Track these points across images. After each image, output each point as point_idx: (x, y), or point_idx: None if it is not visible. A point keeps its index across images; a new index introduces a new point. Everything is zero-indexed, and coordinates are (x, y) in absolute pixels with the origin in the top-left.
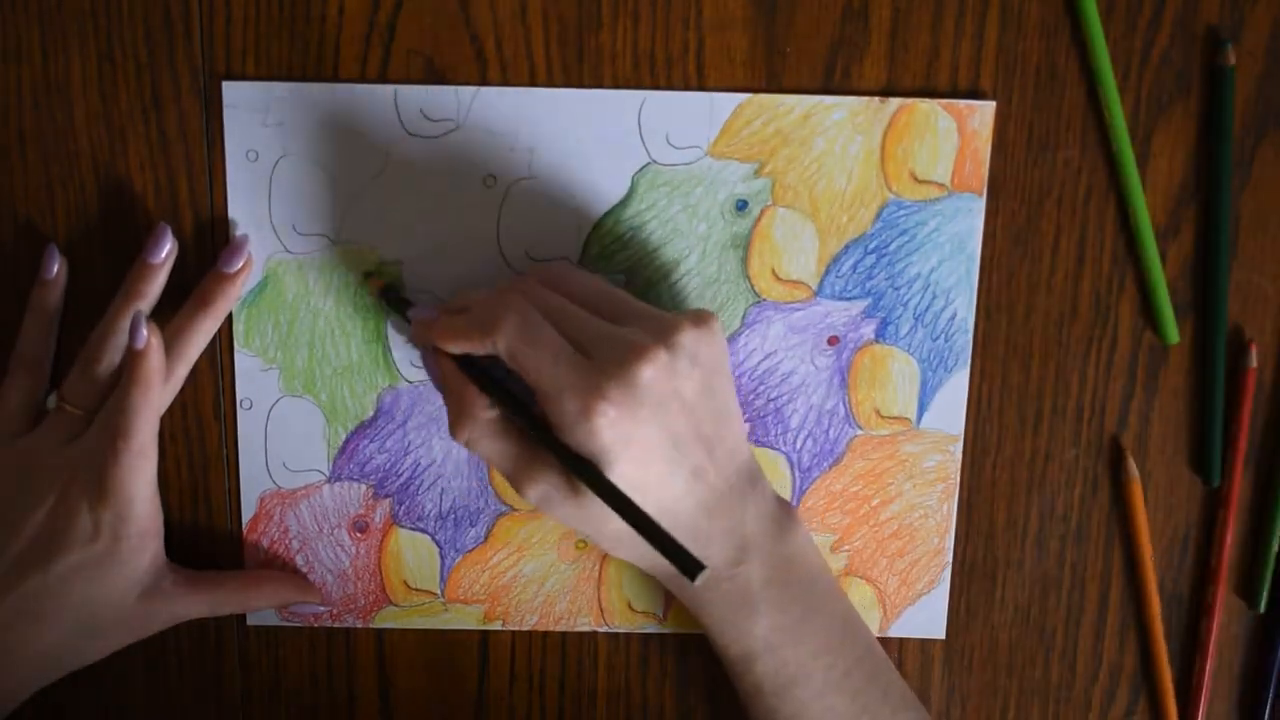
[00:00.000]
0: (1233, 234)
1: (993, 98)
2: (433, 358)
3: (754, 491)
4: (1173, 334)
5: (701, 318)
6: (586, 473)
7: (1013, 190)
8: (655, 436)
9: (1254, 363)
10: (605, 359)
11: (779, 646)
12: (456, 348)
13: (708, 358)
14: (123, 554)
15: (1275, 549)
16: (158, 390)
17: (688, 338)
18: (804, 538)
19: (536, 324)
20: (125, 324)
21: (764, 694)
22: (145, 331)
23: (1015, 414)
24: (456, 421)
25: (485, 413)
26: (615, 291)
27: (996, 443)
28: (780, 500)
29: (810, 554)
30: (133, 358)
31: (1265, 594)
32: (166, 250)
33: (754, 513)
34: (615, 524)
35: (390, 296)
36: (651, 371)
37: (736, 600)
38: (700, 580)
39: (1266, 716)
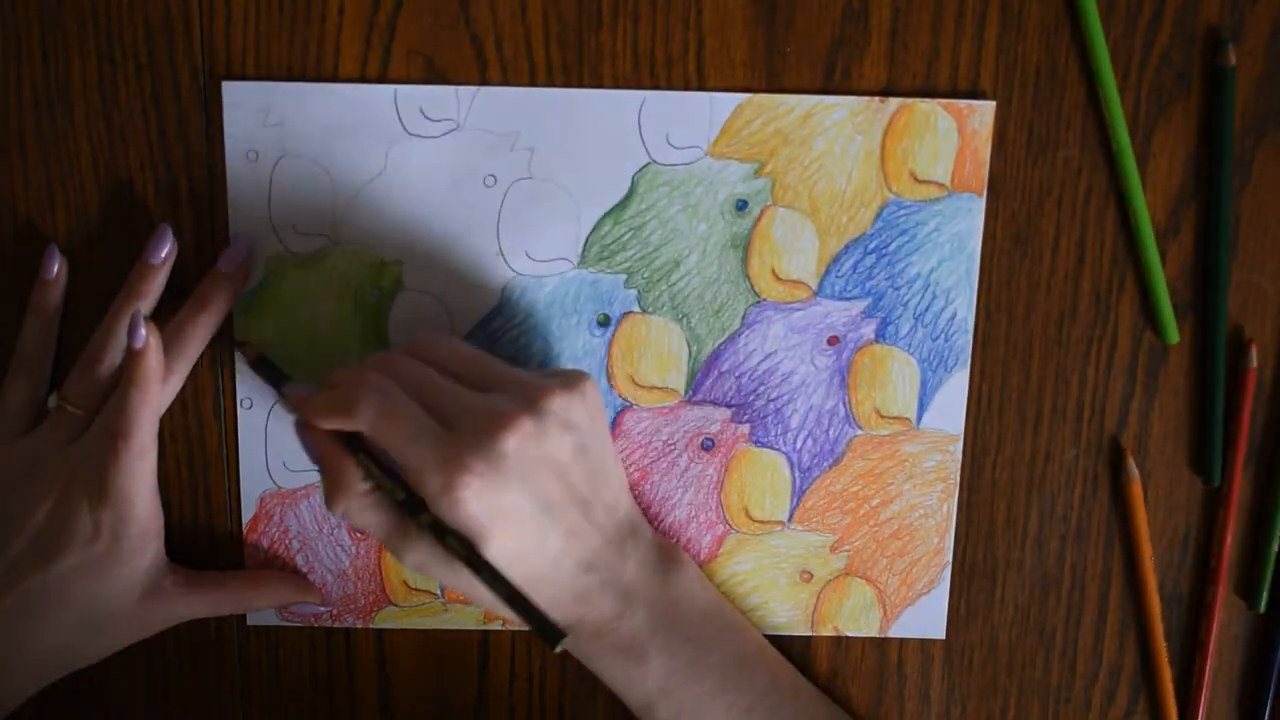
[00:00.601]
0: (1233, 234)
1: (993, 98)
2: (306, 432)
3: (635, 542)
4: (1173, 334)
5: (571, 381)
6: (453, 545)
7: (1013, 190)
8: (523, 503)
9: (1254, 363)
10: (468, 430)
11: (674, 690)
12: (324, 424)
13: (580, 419)
14: (123, 554)
15: (1275, 549)
16: (157, 390)
17: (556, 403)
18: (691, 578)
19: (396, 400)
20: (125, 324)
21: None
22: (144, 331)
23: (1015, 414)
24: (331, 494)
25: (359, 485)
26: (484, 357)
27: (996, 442)
28: (664, 545)
29: (699, 593)
30: (132, 357)
31: (1265, 594)
32: (167, 250)
33: (635, 562)
34: (484, 592)
35: (263, 369)
36: (516, 440)
37: (625, 649)
38: (561, 648)
39: (1267, 716)
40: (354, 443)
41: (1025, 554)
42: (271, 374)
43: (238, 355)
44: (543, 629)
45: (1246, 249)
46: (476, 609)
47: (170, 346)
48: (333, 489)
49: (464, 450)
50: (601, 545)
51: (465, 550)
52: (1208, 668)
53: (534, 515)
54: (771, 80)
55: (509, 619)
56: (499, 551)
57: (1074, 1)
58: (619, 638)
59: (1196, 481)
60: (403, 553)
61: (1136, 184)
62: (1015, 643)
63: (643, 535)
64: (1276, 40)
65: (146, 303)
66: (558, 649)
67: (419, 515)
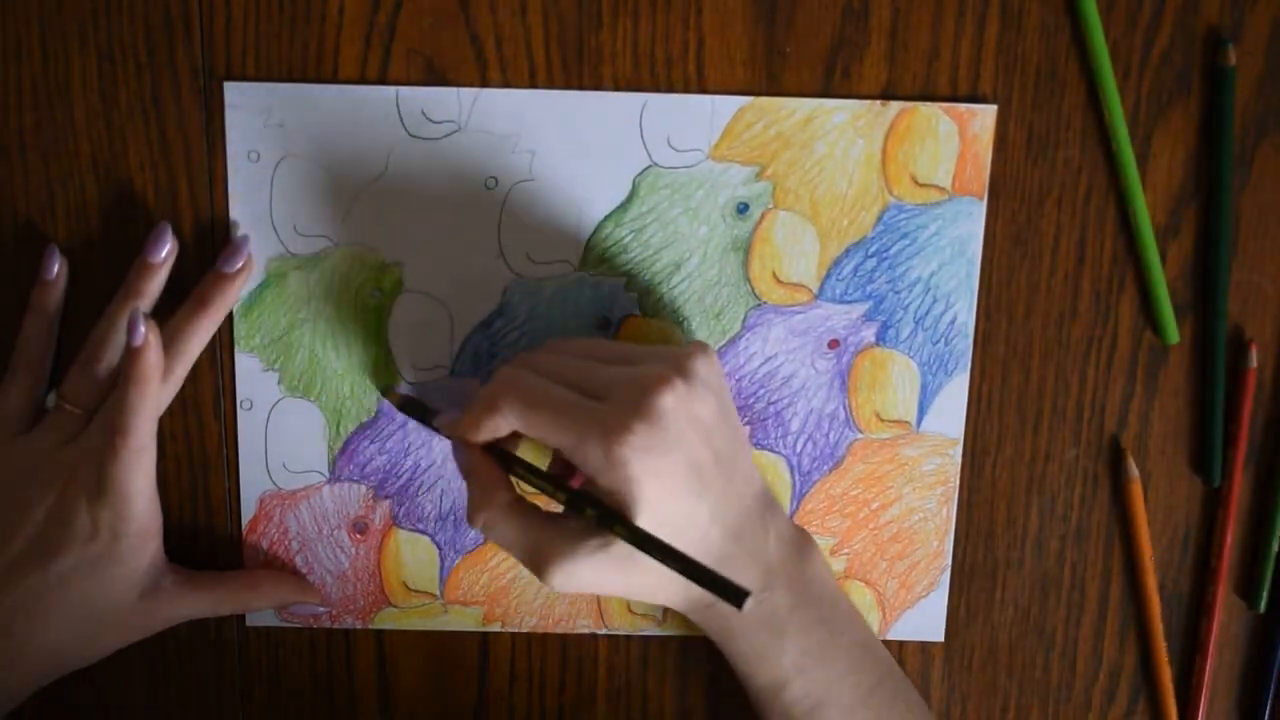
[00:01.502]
0: (1233, 234)
1: (993, 97)
2: (460, 450)
3: (772, 516)
4: (1173, 334)
5: (704, 347)
6: (617, 521)
7: (1013, 190)
8: (680, 466)
9: (1254, 363)
10: (621, 397)
11: (807, 669)
12: (477, 435)
13: (718, 384)
14: (122, 553)
15: (1275, 549)
16: (156, 388)
17: (699, 365)
18: (821, 561)
19: (539, 385)
20: (124, 323)
21: (793, 717)
22: (143, 329)
23: (1015, 414)
24: (476, 505)
25: (503, 495)
26: (611, 343)
27: (996, 443)
28: (797, 525)
29: (828, 577)
30: (131, 355)
31: (1265, 594)
32: (166, 250)
33: (775, 538)
34: (646, 576)
35: (411, 408)
36: (672, 399)
37: (766, 626)
38: (748, 607)
39: (1267, 717)
40: (506, 457)
41: (1025, 554)
42: (420, 411)
43: (253, 367)
44: (726, 590)
45: (1246, 249)
46: (475, 610)
47: (170, 346)
48: (478, 498)
49: (621, 414)
50: (745, 514)
51: (632, 532)
52: (1208, 668)
53: (689, 478)
54: (771, 80)
55: (674, 602)
56: (656, 514)
57: (1074, 1)
58: (761, 613)
59: (1196, 481)
60: (548, 563)
61: (1136, 184)
62: (1015, 643)
63: (778, 511)
64: (1276, 40)
65: (145, 302)
66: (745, 607)
67: (583, 511)
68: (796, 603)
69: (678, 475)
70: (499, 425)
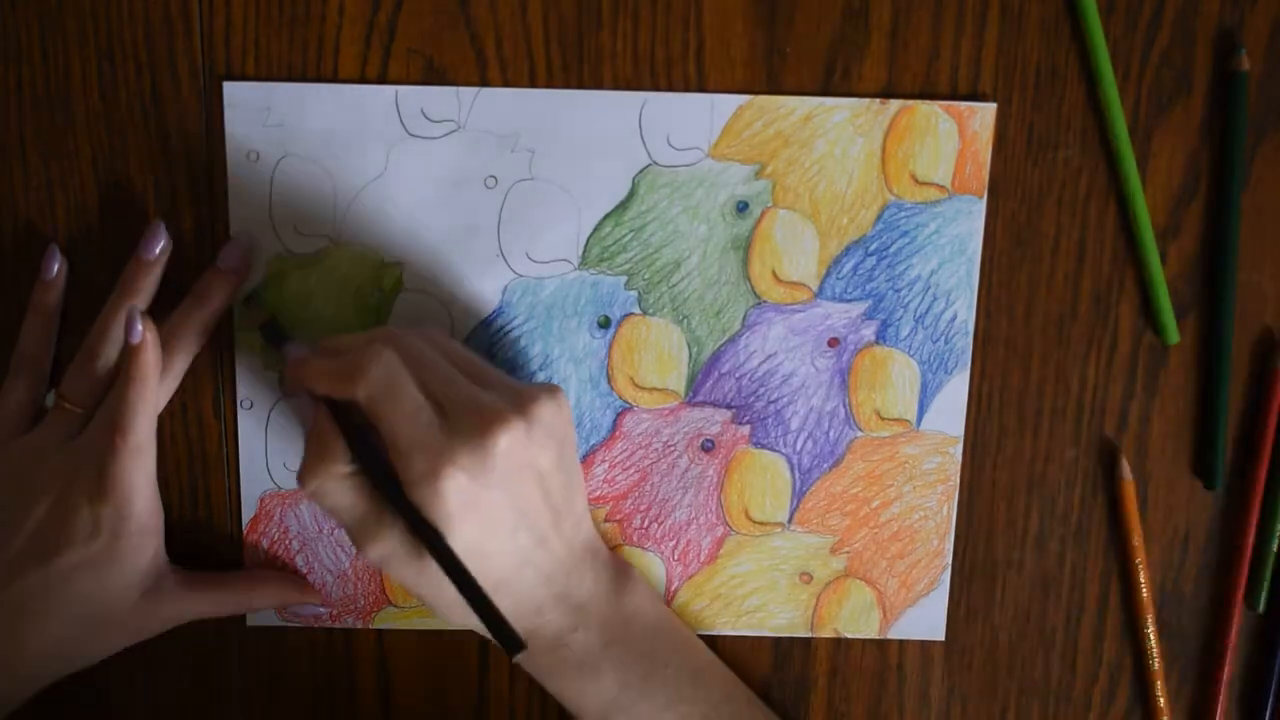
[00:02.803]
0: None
1: (993, 97)
2: (301, 399)
3: (594, 560)
4: (1173, 334)
5: (554, 391)
6: (428, 536)
7: (1013, 190)
8: (502, 505)
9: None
10: (462, 424)
11: (629, 704)
12: (323, 390)
13: (562, 431)
14: (123, 551)
15: (1275, 549)
16: (154, 385)
17: (545, 410)
18: (642, 595)
19: (400, 378)
20: (121, 321)
21: None
22: (140, 326)
23: (1015, 414)
24: (310, 469)
25: (341, 467)
26: (478, 361)
27: (996, 443)
28: (618, 563)
29: (649, 610)
30: (129, 353)
31: (1265, 594)
32: (160, 247)
33: (591, 579)
34: (451, 593)
35: (270, 331)
36: (507, 441)
37: (579, 664)
38: (518, 659)
39: (1267, 717)
40: (342, 416)
41: (1025, 554)
42: (276, 336)
43: (254, 367)
44: (503, 635)
45: (1246, 249)
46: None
47: (168, 343)
48: (314, 462)
49: (456, 442)
50: (565, 558)
51: (436, 542)
52: (1224, 674)
53: (509, 518)
54: (771, 80)
55: (465, 625)
56: (466, 545)
57: (1074, 1)
58: (572, 652)
59: (1197, 482)
60: (368, 542)
61: (1136, 184)
62: (1015, 643)
63: (600, 554)
64: (1276, 40)
65: (141, 299)
66: (516, 658)
67: (396, 499)
68: (611, 640)
69: (498, 513)
70: (352, 391)
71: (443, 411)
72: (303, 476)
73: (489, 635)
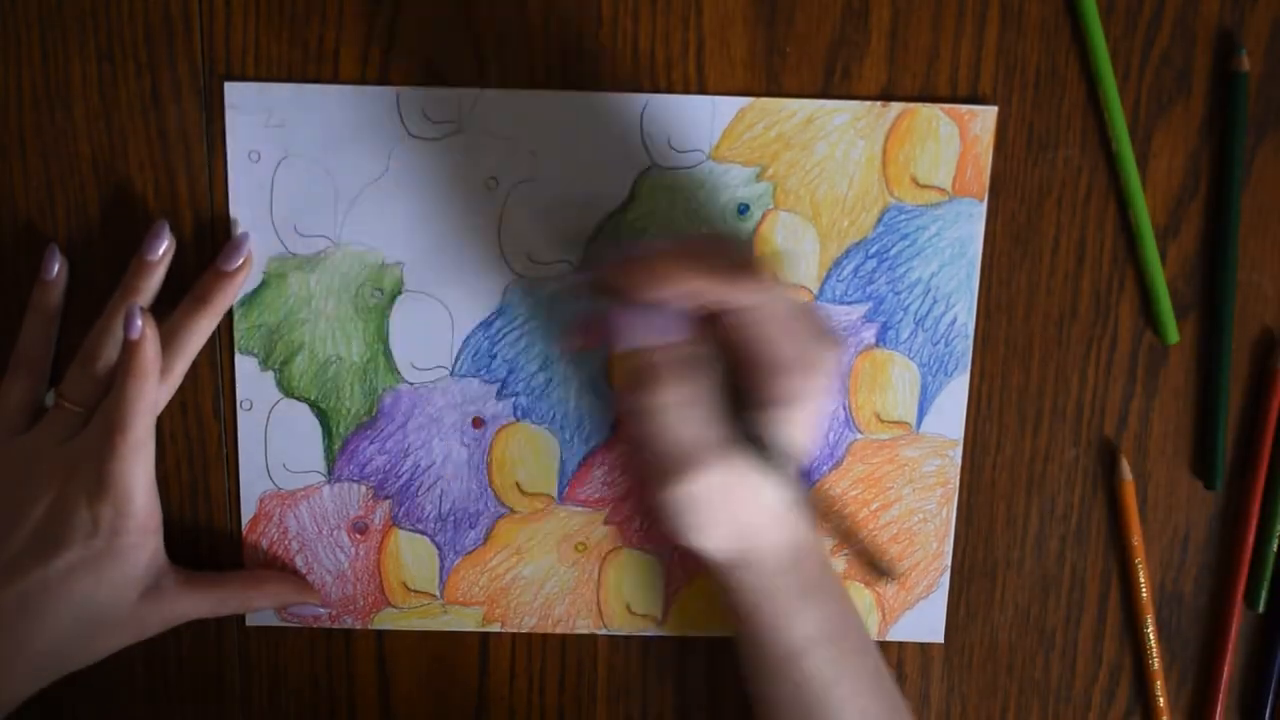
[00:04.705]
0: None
1: (992, 97)
2: (610, 317)
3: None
4: (1173, 334)
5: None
6: (779, 462)
7: (1013, 190)
8: (822, 421)
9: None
10: (821, 345)
11: (824, 642)
12: (702, 294)
13: None
14: (122, 550)
15: (1275, 549)
16: (154, 382)
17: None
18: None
19: (782, 292)
20: (122, 320)
21: (807, 690)
22: (140, 322)
23: (1015, 414)
24: (663, 375)
25: (702, 376)
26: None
27: (996, 443)
28: None
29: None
30: (129, 349)
31: (1265, 594)
32: (164, 247)
33: (799, 511)
34: (758, 514)
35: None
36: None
37: (799, 588)
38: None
39: (1267, 717)
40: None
41: (1025, 554)
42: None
43: (253, 367)
44: (883, 567)
45: (1246, 249)
46: (475, 611)
47: (169, 343)
48: (671, 370)
49: (827, 360)
50: (795, 491)
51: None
52: (1224, 674)
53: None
54: (771, 80)
55: (752, 545)
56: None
57: (1074, 1)
58: (797, 577)
59: (1196, 482)
60: (699, 467)
61: (1136, 184)
62: (1015, 643)
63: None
64: (1277, 40)
65: (143, 299)
66: (896, 578)
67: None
68: (823, 574)
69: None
70: (738, 292)
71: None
72: (647, 384)
73: (741, 562)
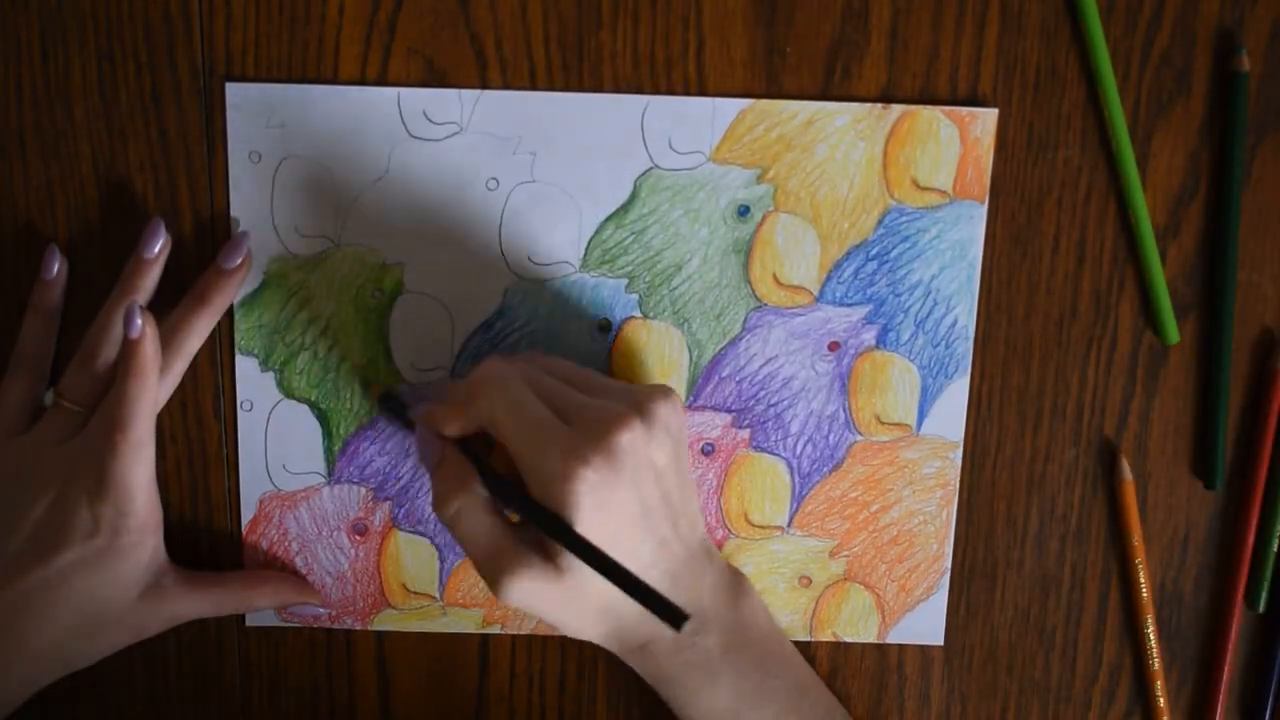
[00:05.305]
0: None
1: (992, 97)
2: (427, 439)
3: (710, 561)
4: (1173, 334)
5: (668, 391)
6: (564, 533)
7: (1013, 191)
8: (629, 503)
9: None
10: (585, 425)
11: (741, 713)
12: (454, 429)
13: (676, 429)
14: (122, 549)
15: (1275, 549)
16: (154, 380)
17: (661, 408)
18: (756, 604)
19: (517, 387)
20: (120, 318)
21: None
22: (139, 321)
23: (1015, 414)
24: (450, 492)
25: (477, 486)
26: (585, 370)
27: (996, 443)
28: (733, 569)
29: (762, 619)
30: (128, 347)
31: (1265, 594)
32: (160, 245)
33: (710, 582)
34: (584, 610)
35: (388, 403)
36: (629, 437)
37: (699, 669)
38: (686, 628)
39: (1267, 717)
40: (475, 457)
41: (1025, 554)
42: (397, 409)
43: (253, 367)
44: (664, 609)
45: (1246, 249)
46: (475, 612)
47: (168, 342)
48: (451, 487)
49: (581, 442)
50: (686, 559)
51: (574, 537)
52: (1224, 674)
53: (634, 517)
54: (771, 80)
55: (600, 634)
56: (599, 544)
57: (1074, 1)
58: (694, 655)
59: (1196, 482)
60: (504, 571)
61: (1136, 184)
62: (1015, 643)
63: (715, 557)
64: (1277, 40)
65: (141, 297)
66: (683, 629)
67: (529, 507)
68: (730, 646)
69: (625, 512)
70: (477, 416)
71: (564, 419)
72: (440, 502)
73: (624, 640)
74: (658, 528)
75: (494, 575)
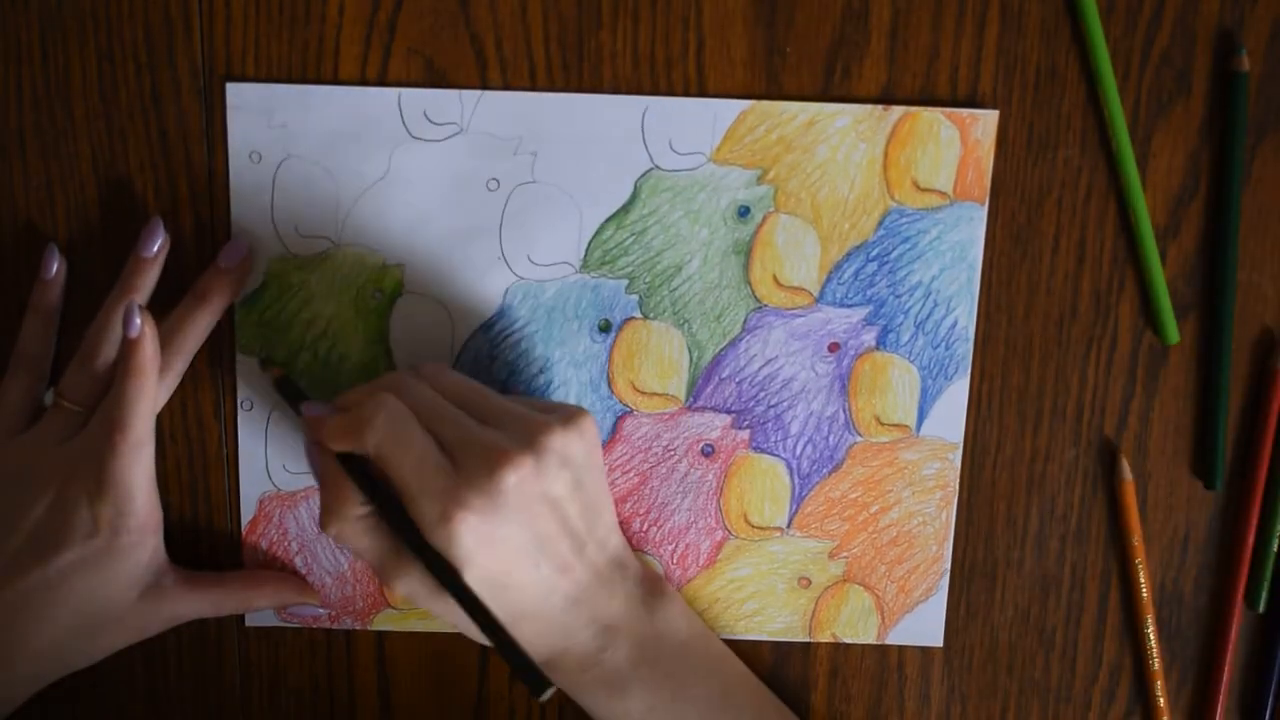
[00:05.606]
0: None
1: (993, 97)
2: (314, 452)
3: (623, 576)
4: (1173, 334)
5: (571, 418)
6: (445, 577)
7: (1013, 191)
8: (518, 539)
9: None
10: (469, 466)
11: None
12: (336, 446)
13: (578, 455)
14: (122, 549)
15: (1275, 549)
16: (153, 380)
17: (556, 440)
18: (675, 611)
19: (405, 424)
20: (120, 318)
21: None
22: (139, 320)
23: (1015, 414)
24: (327, 515)
25: (356, 509)
26: (486, 391)
27: (996, 443)
28: (651, 578)
29: (682, 627)
30: (127, 346)
31: (1265, 594)
32: (159, 244)
33: (621, 597)
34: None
35: (285, 388)
36: (515, 478)
37: (608, 683)
38: (545, 697)
39: (1267, 717)
40: (357, 465)
41: (1025, 554)
42: (292, 393)
43: (253, 367)
44: (526, 676)
45: (1246, 249)
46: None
47: (168, 341)
48: (331, 509)
49: (463, 485)
50: (590, 580)
51: (454, 582)
52: (1224, 674)
53: (527, 550)
54: (771, 80)
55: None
56: (485, 582)
57: (1074, 1)
58: (602, 671)
59: (1196, 482)
60: (393, 580)
61: (1136, 184)
62: (1015, 643)
63: (630, 569)
64: (1277, 40)
65: (140, 297)
66: (542, 698)
67: (412, 542)
68: (642, 659)
69: (515, 546)
70: (361, 444)
71: (451, 455)
72: (322, 521)
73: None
74: (556, 554)
75: (385, 583)
